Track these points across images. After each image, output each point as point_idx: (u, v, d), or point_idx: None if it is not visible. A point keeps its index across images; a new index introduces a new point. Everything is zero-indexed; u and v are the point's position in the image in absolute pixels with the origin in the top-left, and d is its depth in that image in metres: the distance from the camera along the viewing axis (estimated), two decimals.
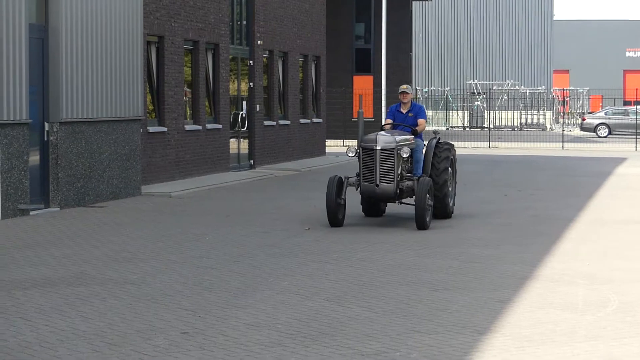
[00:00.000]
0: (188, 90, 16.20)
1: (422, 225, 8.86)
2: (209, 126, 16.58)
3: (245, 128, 18.21)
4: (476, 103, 45.40)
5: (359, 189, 9.36)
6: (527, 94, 46.22)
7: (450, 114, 48.02)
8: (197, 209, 12.20)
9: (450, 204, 10.03)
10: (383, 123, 10.58)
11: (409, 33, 34.79)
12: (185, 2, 15.93)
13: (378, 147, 9.11)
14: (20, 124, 10.37)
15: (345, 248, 8.41)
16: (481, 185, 16.86)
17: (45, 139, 11.10)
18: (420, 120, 10.09)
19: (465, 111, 46.78)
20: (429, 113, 41.11)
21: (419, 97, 44.09)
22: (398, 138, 9.33)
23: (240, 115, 17.89)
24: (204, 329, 4.64)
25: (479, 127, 43.74)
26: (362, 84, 31.77)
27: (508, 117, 44.89)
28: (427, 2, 43.89)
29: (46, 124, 11.04)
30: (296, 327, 4.70)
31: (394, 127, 9.98)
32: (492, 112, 38.75)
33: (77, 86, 11.60)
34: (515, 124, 44.62)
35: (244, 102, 18.52)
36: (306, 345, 4.20)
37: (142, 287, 6.20)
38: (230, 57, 17.89)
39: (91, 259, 7.58)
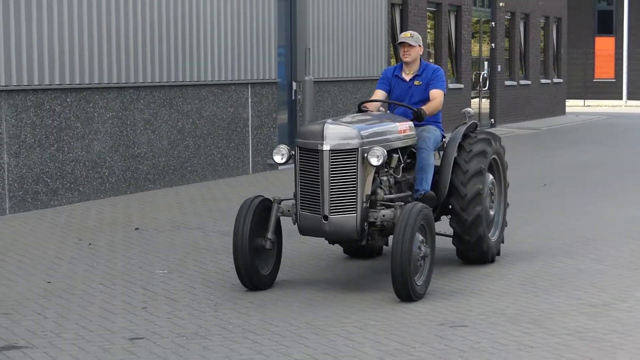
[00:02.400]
0: (431, 51, 14.62)
1: (403, 292, 3.63)
2: (451, 86, 14.87)
3: (486, 88, 16.45)
4: None
5: (296, 222, 4.10)
6: None
7: None
8: None
9: (494, 239, 4.65)
10: (365, 100, 5.07)
11: None
12: None
13: (325, 147, 3.85)
14: (269, 83, 9.63)
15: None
16: None
17: (293, 97, 10.21)
18: (434, 93, 4.55)
19: None
20: None
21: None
22: (366, 129, 4.05)
23: (481, 76, 16.38)
24: None
25: None
26: (603, 45, 28.19)
27: None
28: None
29: (293, 83, 10.10)
30: (527, 277, 4.29)
31: (389, 106, 4.71)
32: None
33: (322, 47, 10.47)
34: None
35: (486, 63, 16.83)
36: (536, 294, 3.87)
37: None
38: (473, 19, 16.33)
39: None
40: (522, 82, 17.59)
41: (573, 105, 22.33)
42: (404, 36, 4.65)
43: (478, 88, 15.52)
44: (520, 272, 4.34)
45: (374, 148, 3.83)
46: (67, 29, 6.88)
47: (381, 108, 4.65)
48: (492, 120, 15.99)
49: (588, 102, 23.12)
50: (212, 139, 8.49)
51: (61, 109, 6.90)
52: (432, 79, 4.61)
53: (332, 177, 3.86)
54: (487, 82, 15.72)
